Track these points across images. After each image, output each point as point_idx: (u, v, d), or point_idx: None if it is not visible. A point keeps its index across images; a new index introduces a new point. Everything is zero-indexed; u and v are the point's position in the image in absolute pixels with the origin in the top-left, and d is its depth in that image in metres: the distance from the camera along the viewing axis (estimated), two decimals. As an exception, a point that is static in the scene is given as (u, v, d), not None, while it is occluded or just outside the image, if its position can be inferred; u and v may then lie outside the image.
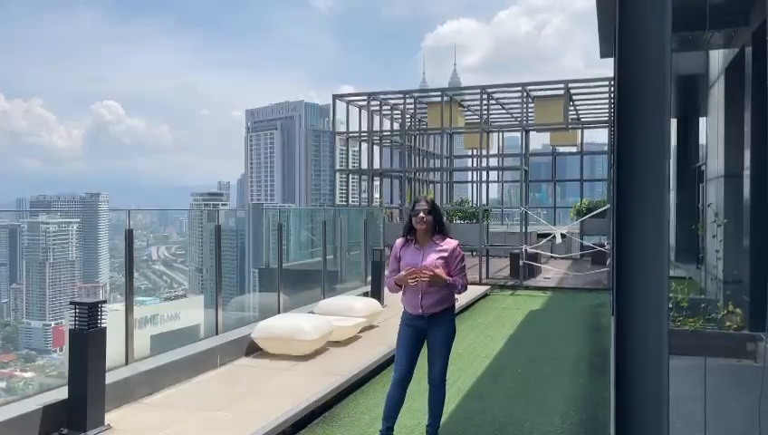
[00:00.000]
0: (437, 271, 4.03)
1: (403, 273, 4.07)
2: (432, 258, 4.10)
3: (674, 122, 15.14)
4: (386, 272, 4.45)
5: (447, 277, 4.08)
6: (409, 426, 4.86)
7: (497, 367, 6.88)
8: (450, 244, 4.19)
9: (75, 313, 4.54)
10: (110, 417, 4.70)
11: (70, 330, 4.57)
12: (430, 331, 4.18)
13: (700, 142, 14.32)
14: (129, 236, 5.74)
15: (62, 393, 4.59)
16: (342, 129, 16.93)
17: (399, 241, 4.29)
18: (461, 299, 10.69)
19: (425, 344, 4.25)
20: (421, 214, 4.12)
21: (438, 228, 4.20)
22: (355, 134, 16.90)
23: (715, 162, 9.46)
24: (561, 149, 21.09)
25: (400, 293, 4.25)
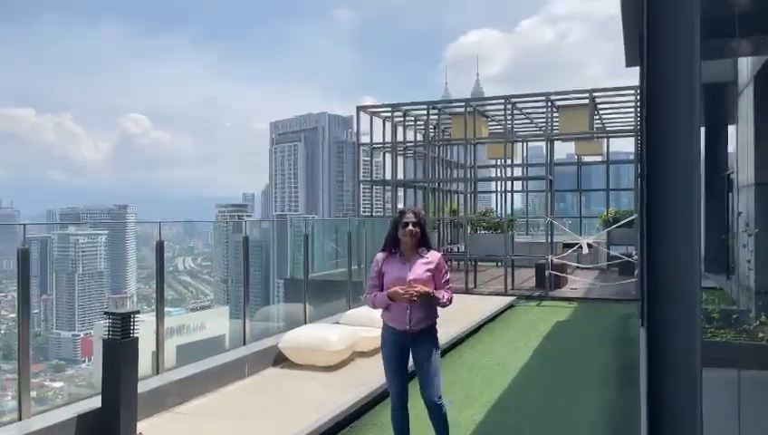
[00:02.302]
0: (427, 289, 3.89)
1: (399, 289, 3.87)
2: (420, 271, 3.96)
3: (702, 131, 14.95)
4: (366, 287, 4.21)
5: (438, 293, 3.96)
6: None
7: (523, 380, 6.83)
8: (435, 256, 4.06)
9: (109, 323, 4.65)
10: (141, 426, 4.78)
11: (103, 340, 4.67)
12: (416, 347, 4.00)
13: (729, 151, 14.10)
14: (160, 247, 5.86)
15: (95, 402, 4.69)
16: (366, 140, 17.03)
17: (381, 255, 4.09)
18: (485, 310, 10.67)
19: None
20: (410, 226, 3.97)
21: (423, 240, 4.05)
22: (378, 145, 16.97)
23: (745, 171, 9.31)
24: (587, 159, 20.90)
25: (380, 309, 4.06)
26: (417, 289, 3.86)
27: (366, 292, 4.17)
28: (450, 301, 4.06)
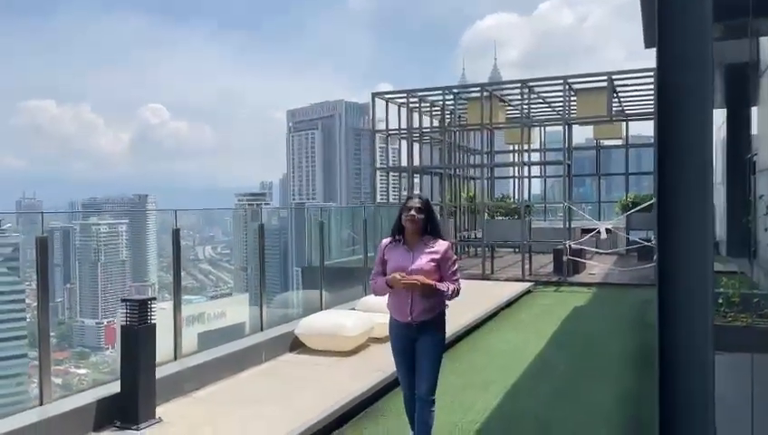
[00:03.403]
0: (429, 281, 3.72)
1: (398, 275, 3.71)
2: (423, 261, 3.79)
3: (723, 113, 14.66)
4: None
5: (442, 285, 3.78)
6: (450, 422, 4.86)
7: (540, 365, 6.82)
8: (442, 245, 3.85)
9: (126, 309, 4.71)
10: (160, 410, 4.86)
11: (121, 326, 4.75)
12: (419, 339, 3.85)
13: (751, 133, 13.83)
14: (176, 235, 5.91)
15: (115, 387, 4.77)
16: (382, 127, 16.99)
17: (386, 241, 3.96)
18: (502, 296, 10.64)
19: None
20: (413, 212, 3.79)
21: (430, 229, 3.86)
22: (395, 132, 16.93)
23: (766, 153, 9.14)
24: (606, 143, 20.65)
25: (386, 296, 3.95)
26: (417, 279, 3.70)
27: (371, 278, 4.04)
28: (457, 293, 3.86)
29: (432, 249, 3.84)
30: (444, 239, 3.94)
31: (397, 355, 3.98)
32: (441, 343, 3.95)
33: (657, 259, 2.11)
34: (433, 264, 3.80)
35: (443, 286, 3.79)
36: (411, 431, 4.03)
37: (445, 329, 3.99)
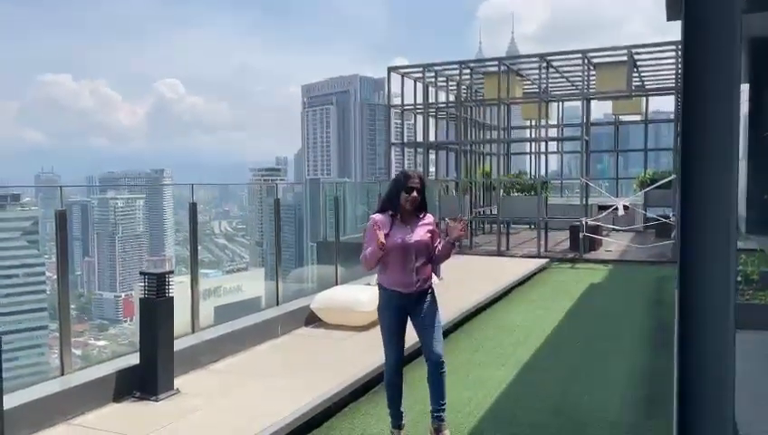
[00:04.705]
0: (461, 233, 3.94)
1: (454, 223, 3.92)
2: (421, 233, 3.99)
3: (746, 88, 14.35)
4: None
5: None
6: (464, 398, 4.89)
7: (555, 341, 6.81)
8: (430, 218, 4.10)
9: (145, 283, 4.76)
10: (178, 382, 4.94)
11: (140, 299, 4.81)
12: (418, 307, 4.01)
13: (775, 108, 13.53)
14: (193, 209, 5.95)
15: (134, 359, 4.85)
16: (397, 102, 16.85)
17: (379, 216, 3.98)
18: (518, 272, 10.63)
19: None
20: (415, 193, 3.93)
21: (422, 203, 4.02)
22: (410, 107, 16.79)
23: (790, 129, 8.94)
24: (625, 118, 20.35)
25: (376, 271, 4.08)
26: (460, 228, 3.91)
27: (364, 249, 4.03)
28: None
29: (425, 222, 4.05)
30: (428, 212, 4.14)
31: (389, 328, 4.07)
32: (437, 307, 4.13)
33: (680, 235, 2.07)
34: (429, 235, 4.03)
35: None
36: (392, 407, 4.14)
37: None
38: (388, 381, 4.18)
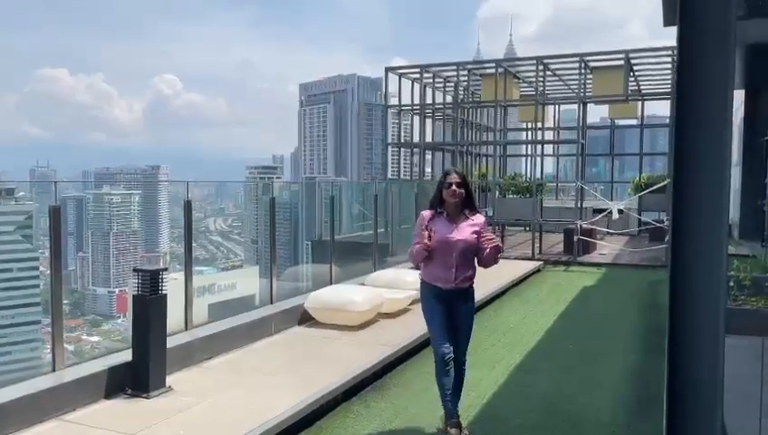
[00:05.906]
0: (497, 242, 4.04)
1: (490, 236, 4.02)
2: (467, 232, 4.06)
3: (742, 94, 14.42)
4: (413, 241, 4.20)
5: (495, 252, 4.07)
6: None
7: (549, 342, 6.83)
8: (480, 218, 4.16)
9: (138, 279, 4.75)
10: (171, 379, 4.93)
11: (133, 295, 4.79)
12: (456, 305, 4.10)
13: (769, 115, 13.60)
14: (188, 206, 5.94)
15: (126, 356, 4.84)
16: (394, 102, 16.85)
17: (427, 213, 4.13)
18: (512, 274, 10.64)
19: None
20: (453, 186, 4.03)
21: (468, 202, 4.13)
22: (407, 107, 16.80)
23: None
24: (621, 122, 20.42)
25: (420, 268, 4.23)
26: (491, 238, 4.00)
27: (413, 244, 4.16)
28: (497, 261, 4.14)
29: (473, 221, 4.12)
30: (479, 212, 4.21)
31: (437, 317, 4.10)
32: (474, 310, 4.31)
33: (671, 240, 2.09)
34: (475, 236, 4.07)
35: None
36: (448, 404, 4.10)
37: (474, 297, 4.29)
38: (439, 375, 4.12)
